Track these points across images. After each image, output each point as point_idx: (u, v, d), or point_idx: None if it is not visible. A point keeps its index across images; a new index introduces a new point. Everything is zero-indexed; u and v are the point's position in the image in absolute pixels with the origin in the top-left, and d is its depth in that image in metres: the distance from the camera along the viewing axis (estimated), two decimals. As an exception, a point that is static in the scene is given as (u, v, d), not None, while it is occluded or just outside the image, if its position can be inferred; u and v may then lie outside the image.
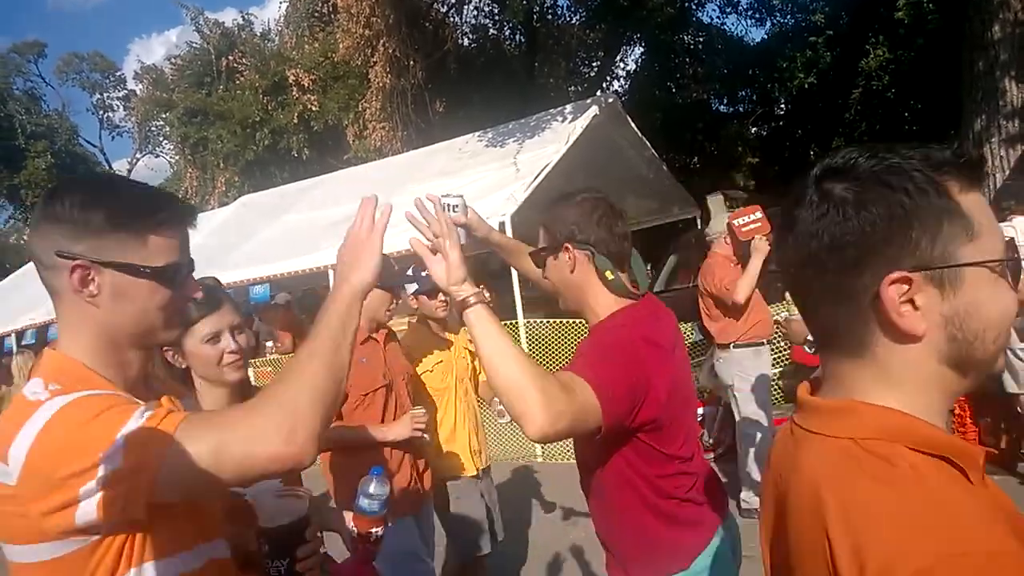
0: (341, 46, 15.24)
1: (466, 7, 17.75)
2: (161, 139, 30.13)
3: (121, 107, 35.22)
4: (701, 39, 20.66)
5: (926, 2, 15.42)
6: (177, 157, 23.19)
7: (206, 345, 2.12)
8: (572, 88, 20.58)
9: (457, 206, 1.88)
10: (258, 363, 9.44)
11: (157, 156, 34.39)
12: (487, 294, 1.52)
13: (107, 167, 34.53)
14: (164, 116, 22.14)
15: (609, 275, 1.75)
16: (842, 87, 18.16)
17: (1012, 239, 4.69)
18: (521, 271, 2.31)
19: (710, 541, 1.76)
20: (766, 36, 20.72)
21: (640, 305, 1.80)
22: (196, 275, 1.30)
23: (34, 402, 1.10)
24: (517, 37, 19.63)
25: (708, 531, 1.78)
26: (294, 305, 10.71)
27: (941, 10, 14.44)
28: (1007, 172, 8.13)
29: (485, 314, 1.50)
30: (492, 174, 8.74)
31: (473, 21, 18.63)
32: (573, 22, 19.58)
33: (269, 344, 10.45)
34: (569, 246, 1.76)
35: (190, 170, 20.13)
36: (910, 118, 17.55)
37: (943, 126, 12.89)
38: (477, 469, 3.55)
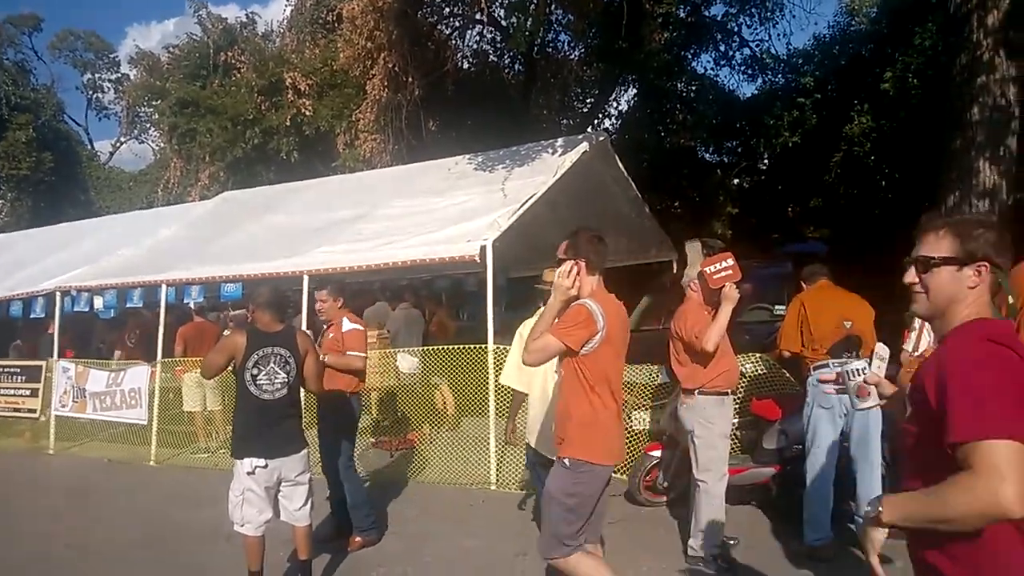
0: (341, 55, 15.35)
1: (469, 32, 17.95)
2: (148, 126, 29.98)
3: (112, 89, 35.13)
4: (694, 88, 21.02)
5: (911, 77, 15.90)
6: (163, 145, 23.05)
7: None
8: (565, 122, 20.82)
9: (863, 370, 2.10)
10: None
11: (142, 142, 34.24)
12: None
13: (90, 147, 34.26)
14: (155, 103, 22.03)
15: (1010, 300, 1.91)
16: (825, 149, 18.57)
17: None
18: None
19: None
20: (756, 92, 21.16)
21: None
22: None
23: None
24: (516, 66, 19.84)
25: None
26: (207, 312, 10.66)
27: (925, 86, 14.90)
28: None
29: (896, 500, 1.71)
30: (478, 198, 8.83)
31: (475, 46, 18.83)
32: (572, 57, 19.87)
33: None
34: (986, 266, 1.83)
35: (175, 160, 20.00)
36: (887, 186, 17.98)
37: (919, 197, 13.22)
38: None
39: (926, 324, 4.89)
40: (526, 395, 5.06)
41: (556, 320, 3.56)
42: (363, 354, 5.64)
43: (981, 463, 1.52)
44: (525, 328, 4.98)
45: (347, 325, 5.65)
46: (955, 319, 1.84)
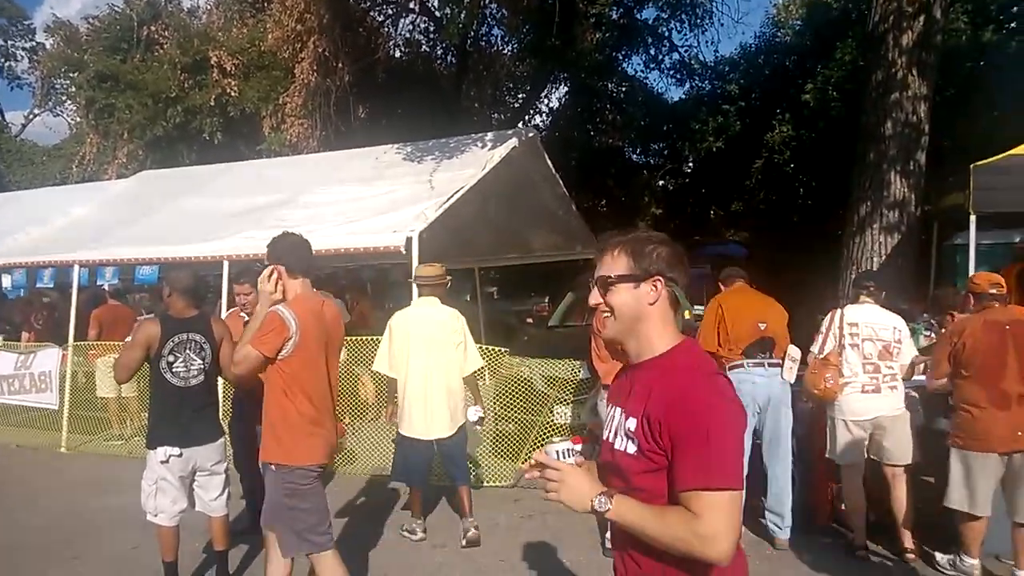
0: (270, 36, 14.97)
1: (402, 20, 17.80)
2: (64, 98, 28.52)
3: (26, 58, 33.22)
4: (624, 89, 21.37)
5: (831, 90, 16.53)
6: (79, 120, 22.00)
7: None
8: (496, 116, 20.86)
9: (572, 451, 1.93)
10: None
11: (57, 115, 32.57)
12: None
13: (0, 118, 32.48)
14: (72, 76, 21.00)
15: (688, 314, 1.87)
16: (747, 156, 19.16)
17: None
18: None
19: None
20: (684, 97, 21.72)
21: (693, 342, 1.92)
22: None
23: None
24: (449, 58, 19.77)
25: None
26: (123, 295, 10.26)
27: (844, 99, 15.52)
28: (883, 257, 8.76)
29: (627, 507, 1.70)
30: (405, 188, 8.75)
31: (407, 35, 18.69)
32: (505, 52, 19.91)
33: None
34: (660, 280, 1.84)
35: (92, 136, 19.10)
36: (804, 193, 18.67)
37: (833, 204, 13.76)
38: None
39: (832, 327, 5.13)
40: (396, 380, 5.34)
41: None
42: None
43: (707, 511, 1.59)
44: (395, 319, 5.40)
45: None
46: (654, 341, 1.84)
